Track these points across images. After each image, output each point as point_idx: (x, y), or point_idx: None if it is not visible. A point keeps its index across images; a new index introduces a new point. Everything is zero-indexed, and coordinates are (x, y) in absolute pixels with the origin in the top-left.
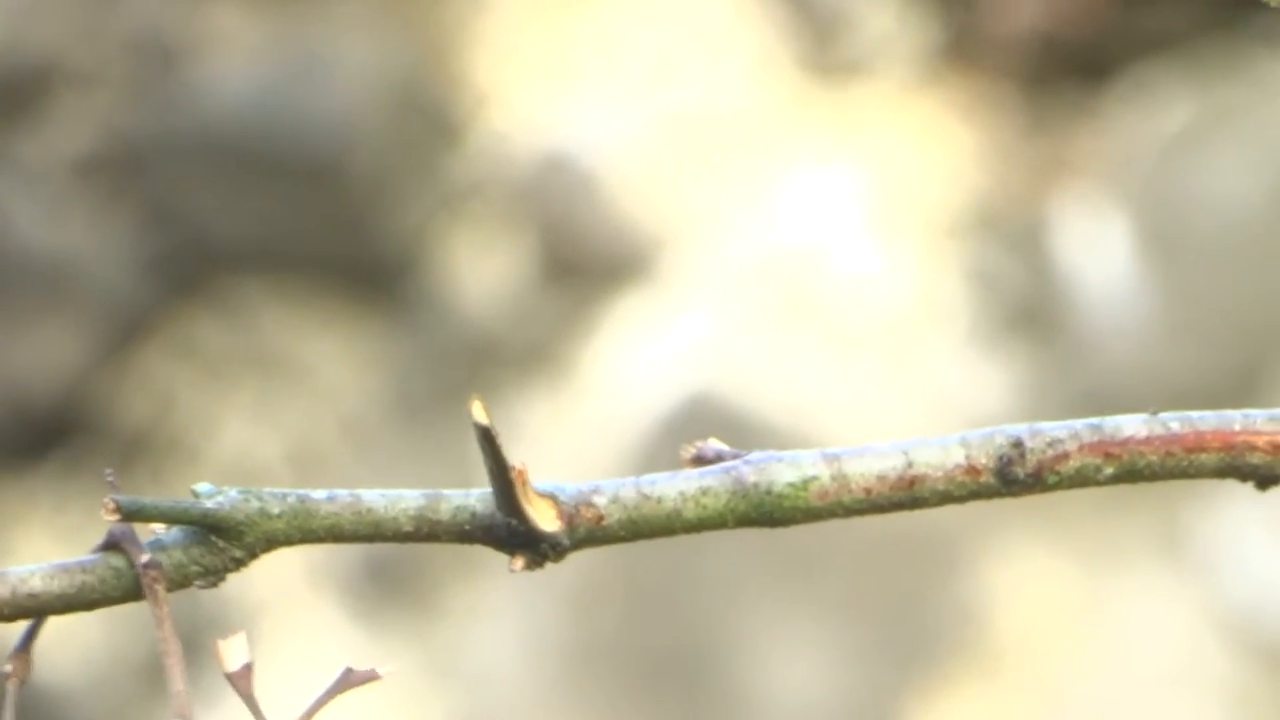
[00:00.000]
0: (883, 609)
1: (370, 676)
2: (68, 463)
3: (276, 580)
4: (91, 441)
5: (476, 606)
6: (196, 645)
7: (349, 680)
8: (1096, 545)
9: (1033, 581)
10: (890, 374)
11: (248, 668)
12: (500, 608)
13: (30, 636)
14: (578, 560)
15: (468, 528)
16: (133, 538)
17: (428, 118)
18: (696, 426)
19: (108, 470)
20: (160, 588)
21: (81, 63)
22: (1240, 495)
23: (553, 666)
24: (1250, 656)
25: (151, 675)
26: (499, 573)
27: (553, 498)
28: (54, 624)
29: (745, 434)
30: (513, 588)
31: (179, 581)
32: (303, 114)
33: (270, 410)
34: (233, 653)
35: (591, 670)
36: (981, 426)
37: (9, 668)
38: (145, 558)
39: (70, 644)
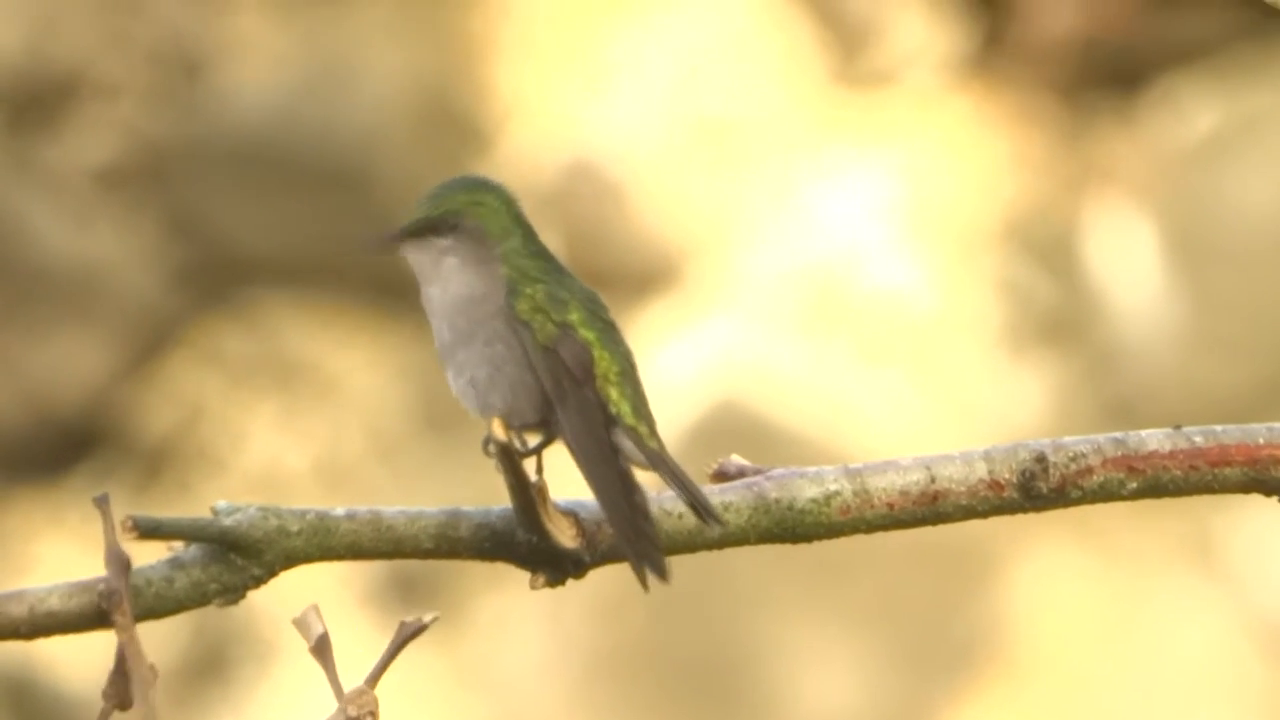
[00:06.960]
0: (912, 617)
1: (420, 627)
2: (95, 473)
3: (304, 593)
4: (118, 452)
5: (504, 616)
6: (225, 658)
7: (404, 632)
8: (1126, 553)
9: (1062, 589)
10: (919, 383)
11: (324, 639)
12: (528, 617)
13: (122, 660)
14: (604, 567)
15: (488, 545)
16: (117, 561)
17: (454, 126)
18: (724, 436)
19: (100, 495)
20: (120, 615)
21: (107, 71)
22: (1269, 503)
23: (580, 675)
24: None
25: (173, 682)
26: (526, 583)
27: (574, 515)
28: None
29: (773, 444)
30: (540, 597)
31: (198, 600)
32: (328, 122)
33: (296, 421)
34: (308, 628)
35: (618, 679)
36: (1011, 436)
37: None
38: (102, 585)
39: (88, 650)
